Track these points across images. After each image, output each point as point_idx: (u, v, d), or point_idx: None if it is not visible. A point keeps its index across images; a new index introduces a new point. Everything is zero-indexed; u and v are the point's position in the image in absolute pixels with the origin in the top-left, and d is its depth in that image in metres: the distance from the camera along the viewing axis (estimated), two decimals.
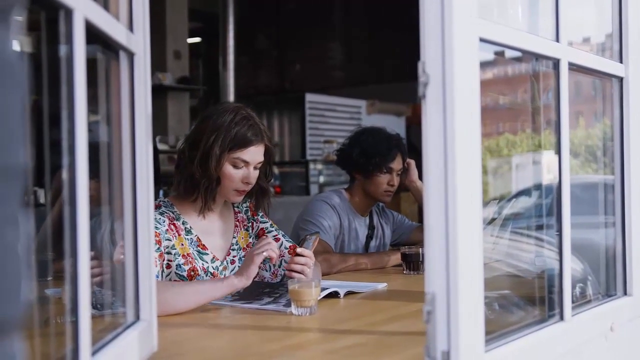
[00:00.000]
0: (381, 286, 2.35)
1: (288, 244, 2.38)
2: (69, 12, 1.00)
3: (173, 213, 2.22)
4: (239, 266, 2.30)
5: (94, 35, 1.12)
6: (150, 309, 1.40)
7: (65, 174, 1.02)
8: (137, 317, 1.38)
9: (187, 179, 2.20)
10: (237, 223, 2.39)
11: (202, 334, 1.74)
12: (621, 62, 1.82)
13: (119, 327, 1.32)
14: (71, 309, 1.03)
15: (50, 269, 1.49)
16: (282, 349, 1.55)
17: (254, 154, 2.20)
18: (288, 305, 1.91)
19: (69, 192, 1.02)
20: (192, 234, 2.23)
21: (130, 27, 1.36)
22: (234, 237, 2.35)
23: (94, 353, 1.10)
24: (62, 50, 1.02)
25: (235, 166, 2.19)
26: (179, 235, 2.19)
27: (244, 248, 2.36)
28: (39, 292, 1.44)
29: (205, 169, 2.16)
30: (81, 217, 1.02)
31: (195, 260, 2.20)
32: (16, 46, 0.60)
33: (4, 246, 0.56)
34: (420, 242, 2.99)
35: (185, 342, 1.65)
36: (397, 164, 3.02)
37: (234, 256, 2.33)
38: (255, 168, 2.23)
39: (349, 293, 2.18)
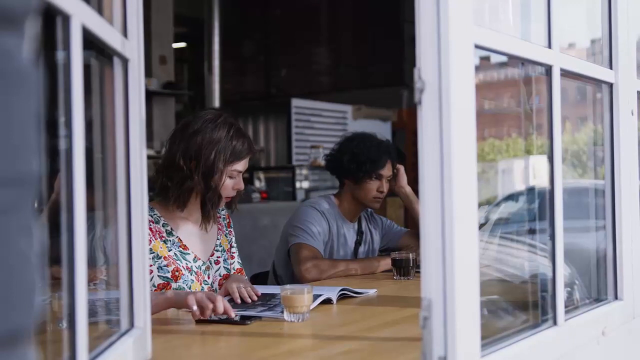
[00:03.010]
0: (372, 292, 2.35)
1: (237, 266, 2.47)
2: (66, 18, 0.99)
3: (152, 216, 2.26)
4: (223, 267, 2.40)
5: (88, 41, 1.11)
6: (145, 316, 1.39)
7: (62, 181, 1.02)
8: (132, 325, 1.37)
9: (186, 192, 2.25)
10: (220, 226, 2.46)
11: (196, 342, 1.73)
12: (611, 68, 1.84)
13: (114, 335, 1.31)
14: (68, 316, 1.02)
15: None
16: (277, 356, 1.54)
17: (246, 163, 2.33)
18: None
19: (65, 199, 1.01)
20: (173, 235, 2.28)
21: (125, 33, 1.35)
22: (218, 239, 2.42)
23: None
24: (59, 55, 1.02)
25: (231, 177, 2.29)
26: (156, 239, 2.24)
27: (227, 250, 2.44)
28: None
29: (209, 184, 2.24)
30: (78, 224, 1.01)
31: (178, 261, 2.24)
32: (29, 54, 0.59)
33: (19, 255, 0.56)
34: (409, 247, 2.99)
35: (179, 350, 1.64)
36: (387, 171, 3.02)
37: (217, 257, 2.40)
38: (242, 175, 2.35)
39: (342, 297, 2.18)
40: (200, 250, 2.34)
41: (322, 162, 3.24)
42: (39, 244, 0.59)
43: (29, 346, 0.57)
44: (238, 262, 2.51)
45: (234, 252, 2.51)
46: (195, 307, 1.81)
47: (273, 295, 2.19)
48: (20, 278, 0.56)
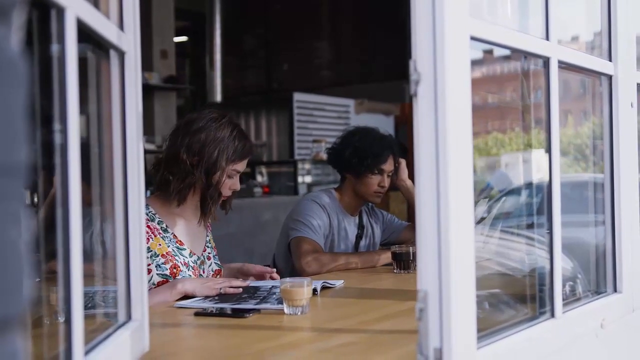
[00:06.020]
0: (338, 283, 2.38)
1: (215, 267, 2.47)
2: (60, 11, 0.99)
3: (147, 214, 2.28)
4: (214, 262, 2.45)
5: (84, 34, 1.11)
6: (142, 309, 1.40)
7: (56, 175, 1.02)
8: (129, 317, 1.38)
9: (187, 187, 2.28)
10: (208, 225, 2.50)
11: (194, 334, 1.74)
12: (610, 60, 1.83)
13: (111, 327, 1.31)
14: (64, 309, 1.02)
15: (40, 270, 1.48)
16: (275, 348, 1.55)
17: (245, 164, 2.38)
18: (280, 302, 1.90)
19: (61, 193, 1.01)
20: (168, 232, 2.31)
21: (121, 26, 1.35)
22: (207, 236, 2.47)
23: (86, 353, 1.09)
24: (54, 49, 1.02)
25: (229, 176, 2.33)
26: (155, 236, 2.26)
27: (214, 247, 2.50)
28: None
29: (210, 180, 2.27)
30: (73, 217, 1.02)
31: (176, 257, 2.27)
32: (17, 44, 0.60)
33: (7, 243, 0.56)
34: (410, 241, 2.99)
35: (177, 342, 1.65)
36: (388, 166, 3.02)
37: (208, 253, 2.45)
38: (240, 175, 2.39)
39: (324, 288, 2.24)
40: (194, 245, 2.38)
41: (324, 156, 3.25)
42: (27, 232, 0.60)
43: (17, 333, 0.58)
44: (216, 263, 2.52)
45: (215, 254, 2.54)
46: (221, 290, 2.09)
47: (257, 288, 2.20)
48: (8, 266, 0.56)
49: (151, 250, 2.22)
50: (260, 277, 2.43)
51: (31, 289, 0.59)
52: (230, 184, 2.34)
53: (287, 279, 1.96)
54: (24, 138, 0.58)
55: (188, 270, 2.28)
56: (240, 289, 2.15)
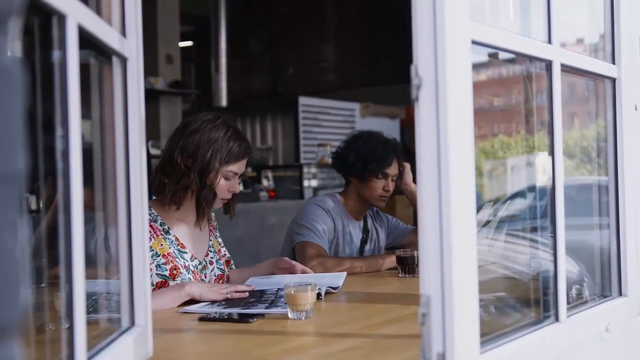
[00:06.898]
0: (342, 278, 2.39)
1: (218, 272, 2.46)
2: (62, 18, 1.00)
3: (150, 215, 2.28)
4: (217, 267, 2.44)
5: (86, 40, 1.12)
6: (146, 314, 1.40)
7: (59, 181, 1.02)
8: (132, 323, 1.38)
9: (182, 189, 2.28)
10: (211, 228, 2.50)
11: (198, 340, 1.74)
12: (614, 63, 1.83)
13: (114, 333, 1.31)
14: (66, 315, 1.02)
15: (44, 276, 1.49)
16: (279, 353, 1.55)
17: (243, 165, 2.36)
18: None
19: (63, 199, 1.01)
20: (170, 234, 2.31)
21: (123, 32, 1.36)
22: (210, 240, 2.47)
23: (89, 358, 1.09)
24: (55, 55, 1.02)
25: (226, 178, 2.32)
26: (157, 236, 2.27)
27: (217, 252, 2.48)
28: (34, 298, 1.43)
29: (204, 181, 2.27)
30: (75, 223, 1.02)
31: (177, 259, 2.28)
32: (14, 52, 0.60)
33: (3, 251, 0.56)
34: (414, 245, 2.99)
35: (181, 348, 1.65)
36: (393, 170, 3.01)
37: (211, 257, 2.45)
38: (239, 178, 2.38)
39: (328, 293, 2.23)
40: (196, 250, 2.38)
41: (329, 160, 3.26)
42: (25, 240, 0.60)
43: (14, 341, 0.58)
44: (220, 267, 2.52)
45: (224, 250, 2.54)
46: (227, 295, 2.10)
47: (264, 292, 2.20)
48: (4, 274, 0.56)
49: (152, 250, 2.22)
50: (290, 271, 2.44)
51: (28, 297, 0.59)
52: (228, 186, 2.33)
53: (291, 284, 1.96)
54: (22, 146, 0.59)
55: (188, 273, 2.28)
56: (247, 294, 2.15)
